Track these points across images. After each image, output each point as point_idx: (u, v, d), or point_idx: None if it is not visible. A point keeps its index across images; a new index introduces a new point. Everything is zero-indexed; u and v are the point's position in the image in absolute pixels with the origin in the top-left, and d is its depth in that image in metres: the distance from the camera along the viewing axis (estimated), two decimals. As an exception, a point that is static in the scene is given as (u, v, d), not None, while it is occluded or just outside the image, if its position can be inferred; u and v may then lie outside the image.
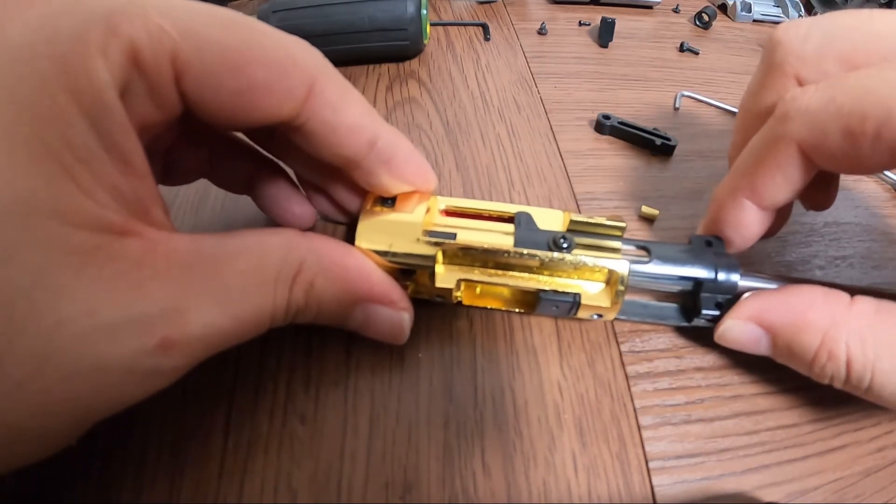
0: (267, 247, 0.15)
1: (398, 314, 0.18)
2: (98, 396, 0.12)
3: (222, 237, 0.15)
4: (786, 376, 0.21)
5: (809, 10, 0.47)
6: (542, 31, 0.40)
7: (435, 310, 0.21)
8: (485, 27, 0.40)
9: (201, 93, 0.14)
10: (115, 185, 0.13)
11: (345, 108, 0.16)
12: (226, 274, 0.14)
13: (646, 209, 0.26)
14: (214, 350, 0.14)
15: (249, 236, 0.15)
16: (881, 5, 0.46)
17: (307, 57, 0.15)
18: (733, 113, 0.35)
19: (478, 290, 0.20)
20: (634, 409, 0.19)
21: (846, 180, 0.30)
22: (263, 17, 0.32)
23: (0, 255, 0.11)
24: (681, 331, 0.22)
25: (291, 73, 0.15)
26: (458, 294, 0.19)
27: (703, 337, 0.21)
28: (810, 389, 0.20)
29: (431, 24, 0.39)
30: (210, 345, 0.14)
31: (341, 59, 0.34)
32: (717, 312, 0.19)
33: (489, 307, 0.20)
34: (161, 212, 0.14)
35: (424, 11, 0.34)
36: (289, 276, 0.15)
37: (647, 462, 0.18)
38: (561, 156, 0.29)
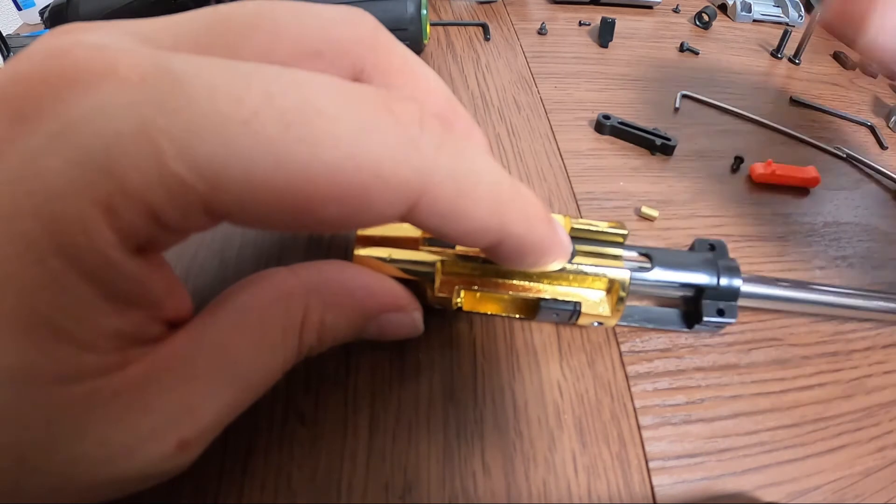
0: (265, 304, 0.14)
1: (409, 316, 0.17)
2: (118, 493, 0.12)
3: (216, 308, 0.14)
4: (786, 376, 0.21)
5: (809, 10, 0.47)
6: (542, 31, 0.40)
7: (435, 311, 0.21)
8: (485, 27, 0.40)
9: (253, 227, 0.11)
10: (118, 329, 0.11)
11: (460, 217, 0.12)
12: (231, 351, 0.13)
13: (646, 209, 0.26)
14: (228, 423, 0.13)
15: (242, 296, 0.14)
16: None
17: (406, 167, 0.11)
18: (733, 112, 0.35)
19: (478, 296, 0.20)
20: (634, 409, 0.19)
21: (846, 180, 0.30)
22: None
23: (3, 415, 0.10)
24: (681, 331, 0.22)
25: (378, 199, 0.11)
26: (458, 300, 0.19)
27: (702, 337, 0.21)
28: (810, 389, 0.20)
29: (431, 24, 0.39)
30: (225, 422, 0.13)
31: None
32: (719, 319, 0.19)
33: (489, 313, 0.20)
34: (172, 315, 0.13)
35: (424, 11, 0.34)
36: (295, 327, 0.14)
37: (647, 462, 0.18)
38: (561, 156, 0.29)
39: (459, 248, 0.18)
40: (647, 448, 0.18)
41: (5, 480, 0.11)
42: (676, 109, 0.34)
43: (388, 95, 0.12)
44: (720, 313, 0.19)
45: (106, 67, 0.10)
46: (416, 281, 0.18)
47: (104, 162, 0.10)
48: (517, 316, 0.20)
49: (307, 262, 0.16)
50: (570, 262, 0.18)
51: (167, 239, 0.11)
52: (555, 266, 0.17)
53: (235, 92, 0.10)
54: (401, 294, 0.17)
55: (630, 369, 0.20)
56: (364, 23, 0.14)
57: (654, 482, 0.17)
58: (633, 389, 0.20)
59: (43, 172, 0.10)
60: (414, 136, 0.11)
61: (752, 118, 0.34)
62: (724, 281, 0.19)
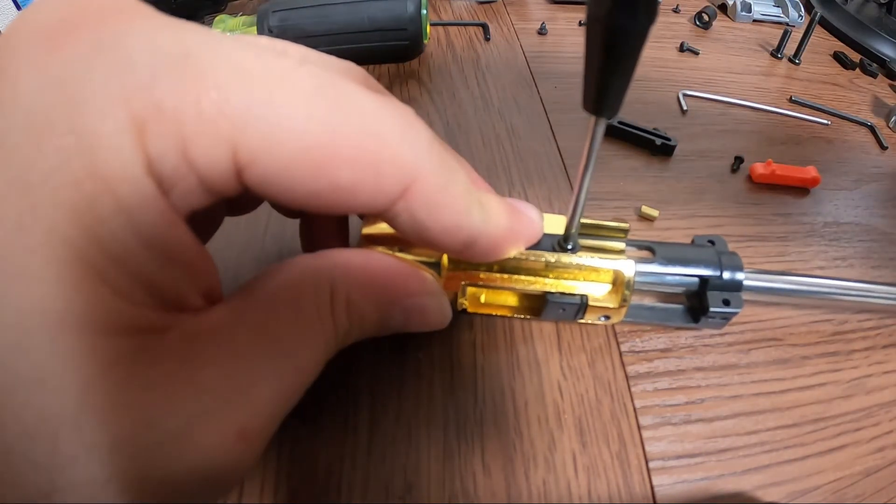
0: (294, 283, 0.14)
1: (436, 299, 0.17)
2: (170, 500, 0.11)
3: (251, 289, 0.13)
4: (786, 376, 0.21)
5: (809, 10, 0.47)
6: (542, 31, 0.40)
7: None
8: (485, 27, 0.40)
9: (267, 188, 0.11)
10: (154, 281, 0.11)
11: (442, 209, 0.13)
12: (273, 330, 0.13)
13: (646, 209, 0.26)
14: (284, 415, 0.13)
15: (275, 277, 0.14)
16: (880, 6, 0.46)
17: (408, 149, 0.12)
18: (738, 105, 0.35)
19: (482, 298, 0.20)
20: (634, 409, 0.19)
21: (846, 180, 0.30)
22: (263, 17, 0.32)
23: (32, 377, 0.09)
24: (681, 331, 0.22)
25: (385, 173, 0.12)
26: (463, 301, 0.19)
27: (703, 337, 0.21)
28: (810, 389, 0.20)
29: (431, 24, 0.39)
30: (281, 413, 0.12)
31: (341, 59, 0.34)
32: (725, 309, 0.19)
33: (494, 314, 0.20)
34: (205, 287, 0.13)
35: (424, 11, 0.34)
36: (326, 303, 0.14)
37: (647, 462, 0.18)
38: (561, 156, 0.29)
39: None
40: (647, 448, 0.18)
41: (38, 478, 0.09)
42: (684, 111, 0.34)
43: (389, 95, 0.13)
44: (726, 303, 0.19)
45: (151, 11, 0.11)
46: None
47: (146, 80, 0.09)
48: (523, 316, 0.20)
49: (329, 248, 0.16)
50: (573, 253, 0.18)
51: (188, 187, 0.11)
52: (528, 246, 0.18)
53: (276, 48, 0.11)
54: (425, 278, 0.17)
55: (630, 369, 0.20)
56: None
57: (654, 482, 0.17)
58: (633, 389, 0.20)
59: (82, 82, 0.09)
60: (415, 126, 0.13)
61: (756, 107, 0.34)
62: (727, 272, 0.19)
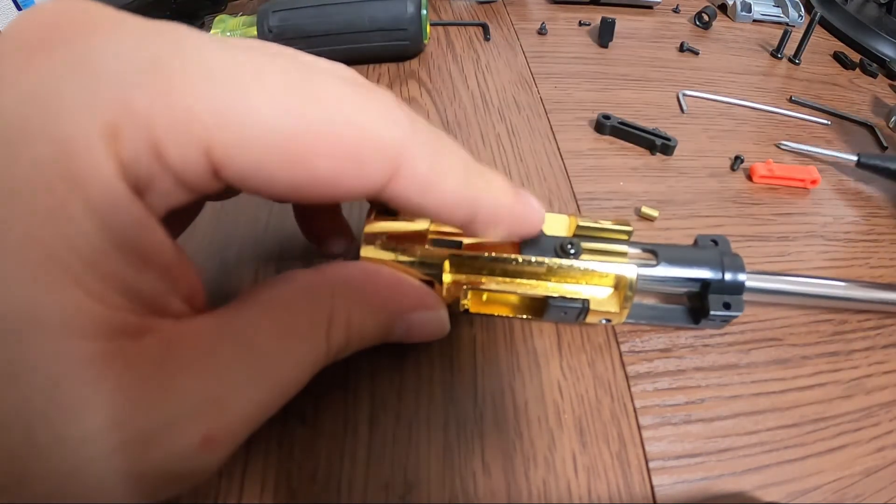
0: (291, 297, 0.14)
1: (436, 314, 0.17)
2: (137, 497, 0.11)
3: (242, 301, 0.13)
4: (786, 376, 0.21)
5: (809, 10, 0.47)
6: (542, 31, 0.40)
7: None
8: (485, 27, 0.40)
9: (246, 183, 0.11)
10: (129, 284, 0.11)
11: (436, 187, 0.13)
12: (256, 342, 0.13)
13: (646, 209, 0.26)
14: (257, 426, 0.13)
15: (269, 290, 0.14)
16: (880, 6, 0.46)
17: (388, 134, 0.12)
18: (738, 105, 0.35)
19: (484, 297, 0.20)
20: (634, 409, 0.19)
21: (846, 179, 0.30)
22: (263, 17, 0.32)
23: (6, 373, 0.09)
24: (681, 331, 0.22)
25: (367, 160, 0.12)
26: (466, 302, 0.19)
27: (703, 337, 0.21)
28: (810, 389, 0.20)
29: (431, 24, 0.39)
30: (254, 424, 0.12)
31: (341, 60, 0.33)
32: (726, 313, 0.19)
33: (496, 314, 0.20)
34: (187, 292, 0.13)
35: (424, 11, 0.34)
36: (322, 321, 0.14)
37: (647, 462, 0.18)
38: (561, 156, 0.29)
39: (465, 246, 0.18)
40: (647, 448, 0.18)
41: (13, 464, 0.10)
42: (684, 111, 0.34)
43: (367, 84, 0.13)
44: (726, 307, 0.19)
45: (121, 19, 0.11)
46: (424, 281, 0.18)
47: (116, 89, 0.10)
48: (524, 316, 0.20)
49: (332, 262, 0.16)
50: (576, 258, 0.18)
51: (164, 188, 0.11)
52: (530, 234, 0.17)
53: (246, 47, 0.11)
54: (426, 292, 0.17)
55: (630, 369, 0.20)
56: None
57: (654, 482, 0.17)
58: (633, 389, 0.20)
59: (62, 95, 0.10)
60: (394, 111, 0.13)
61: (756, 107, 0.34)
62: (728, 274, 0.19)
